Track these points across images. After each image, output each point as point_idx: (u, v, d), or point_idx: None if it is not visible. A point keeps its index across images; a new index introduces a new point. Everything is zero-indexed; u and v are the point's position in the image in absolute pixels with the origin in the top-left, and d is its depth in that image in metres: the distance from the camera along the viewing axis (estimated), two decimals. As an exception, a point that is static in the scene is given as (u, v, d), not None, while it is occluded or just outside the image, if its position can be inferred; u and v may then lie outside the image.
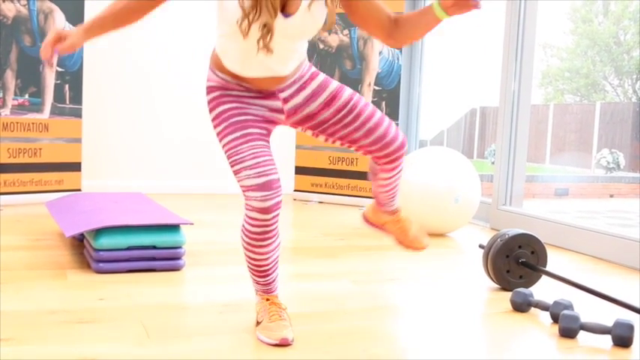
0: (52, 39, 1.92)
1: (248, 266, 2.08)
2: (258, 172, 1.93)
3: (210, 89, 2.06)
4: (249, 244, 1.99)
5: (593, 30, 16.98)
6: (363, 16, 2.00)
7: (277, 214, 1.95)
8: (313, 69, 2.14)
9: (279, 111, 2.07)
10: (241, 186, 1.96)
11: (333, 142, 2.16)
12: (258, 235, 1.96)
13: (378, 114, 2.12)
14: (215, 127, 2.02)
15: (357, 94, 2.14)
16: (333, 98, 2.08)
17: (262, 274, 2.08)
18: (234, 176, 1.98)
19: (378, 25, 1.99)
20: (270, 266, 2.06)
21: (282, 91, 2.05)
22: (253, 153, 1.95)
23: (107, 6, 1.96)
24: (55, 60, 1.95)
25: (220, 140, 2.01)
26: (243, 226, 1.99)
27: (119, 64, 5.12)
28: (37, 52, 4.34)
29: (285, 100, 2.06)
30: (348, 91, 2.12)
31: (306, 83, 2.08)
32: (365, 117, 2.09)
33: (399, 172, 2.23)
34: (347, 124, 2.09)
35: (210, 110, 2.04)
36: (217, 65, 2.04)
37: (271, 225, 1.95)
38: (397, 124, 4.89)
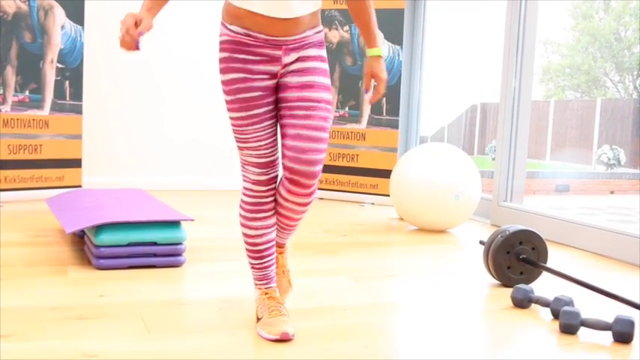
0: (131, 24, 1.87)
1: (245, 248, 2.13)
2: (260, 154, 2.03)
3: (221, 46, 2.03)
4: (244, 217, 2.09)
5: (594, 26, 16.97)
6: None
7: (272, 188, 2.06)
8: (322, 52, 2.08)
9: (275, 75, 2.04)
10: (242, 159, 2.06)
11: (279, 124, 2.08)
12: (253, 207, 2.06)
13: (322, 134, 1.99)
14: (223, 92, 2.04)
15: (328, 105, 2.04)
16: (309, 86, 2.02)
17: (257, 254, 2.11)
18: (237, 148, 2.07)
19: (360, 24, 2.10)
20: (264, 246, 2.10)
21: (288, 51, 2.01)
22: (257, 136, 2.02)
23: None
24: (141, 45, 1.89)
25: (228, 110, 2.05)
26: (241, 199, 2.09)
27: (119, 61, 5.11)
28: (37, 48, 4.34)
29: (284, 66, 2.03)
30: (323, 95, 2.03)
31: (308, 59, 2.04)
32: (309, 123, 1.98)
33: (298, 205, 2.05)
34: (293, 115, 2.00)
35: (220, 71, 2.05)
36: (229, 15, 2.00)
37: (266, 197, 2.05)
38: (397, 129, 4.90)
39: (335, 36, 5.02)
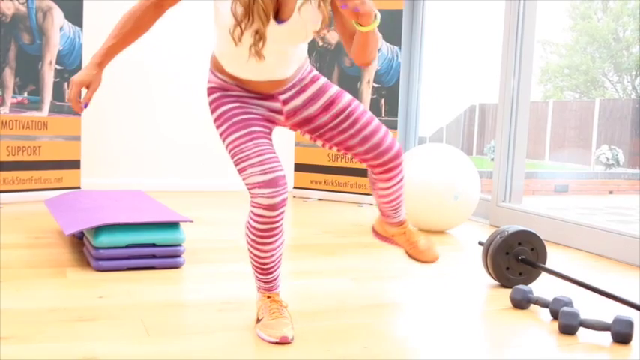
0: (75, 95, 1.98)
1: (252, 263, 2.08)
2: (265, 169, 1.92)
3: (210, 90, 2.06)
4: (254, 241, 1.99)
5: (593, 26, 16.97)
6: (344, 28, 1.99)
7: (283, 211, 1.95)
8: (314, 72, 2.14)
9: (279, 112, 2.08)
10: (247, 184, 1.95)
11: (330, 147, 2.15)
12: (264, 232, 1.96)
13: (375, 122, 2.11)
14: (218, 127, 2.02)
15: (356, 101, 2.13)
16: (331, 103, 2.08)
17: (266, 272, 2.08)
18: (240, 174, 1.97)
19: (349, 39, 1.98)
20: (273, 263, 2.07)
21: (282, 93, 2.06)
22: (258, 151, 1.95)
23: (114, 31, 2.02)
24: (85, 108, 2.01)
25: (224, 140, 2.01)
26: (249, 223, 1.98)
27: (118, 62, 5.09)
28: (35, 50, 4.34)
29: (285, 102, 2.06)
30: (347, 97, 2.11)
31: (306, 86, 2.09)
32: (361, 124, 2.08)
33: (399, 182, 2.20)
34: (343, 130, 2.08)
35: (212, 111, 2.04)
36: (217, 67, 2.05)
37: (277, 222, 1.95)
38: (396, 130, 4.90)
39: (333, 37, 5.02)
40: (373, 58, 1.97)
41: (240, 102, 2.02)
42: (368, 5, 1.77)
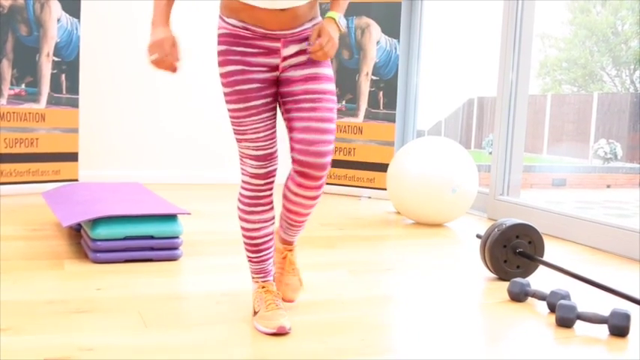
0: (169, 50, 1.97)
1: (243, 241, 2.12)
2: (258, 146, 2.02)
3: (219, 39, 2.03)
4: (242, 210, 2.08)
5: (591, 20, 16.96)
6: None
7: (271, 182, 2.05)
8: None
9: (276, 68, 2.03)
10: (240, 151, 2.05)
11: (284, 119, 2.08)
12: (252, 200, 2.05)
13: (329, 125, 2.00)
14: (222, 83, 2.04)
15: (332, 96, 2.05)
16: (314, 78, 2.02)
17: (254, 248, 2.11)
18: (235, 141, 2.06)
19: None
20: (261, 240, 2.09)
21: (287, 43, 2.01)
22: (255, 128, 2.01)
23: None
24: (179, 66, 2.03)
25: (226, 102, 2.05)
26: (239, 193, 2.09)
27: (116, 54, 5.10)
28: (33, 41, 4.32)
29: (284, 59, 2.02)
30: (328, 86, 2.05)
31: (307, 51, 2.03)
32: (316, 115, 1.99)
33: (307, 199, 2.04)
34: (300, 108, 2.01)
35: (219, 64, 2.04)
36: (226, 8, 2.00)
37: (265, 191, 2.05)
38: (394, 123, 4.89)
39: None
40: None
41: (244, 64, 1.99)
42: (333, 48, 1.99)
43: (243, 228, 2.12)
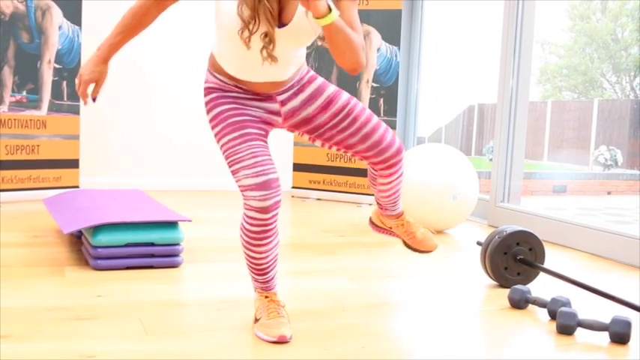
0: (83, 94, 2.09)
1: (247, 264, 2.08)
2: (257, 172, 1.93)
3: (207, 90, 2.06)
4: (248, 242, 2.00)
5: (591, 27, 16.98)
6: None
7: (276, 214, 1.96)
8: (311, 72, 2.14)
9: (277, 113, 2.08)
10: (240, 186, 1.96)
11: (330, 147, 2.15)
12: (258, 235, 1.96)
13: (375, 119, 2.12)
14: (213, 127, 2.02)
15: (354, 99, 2.13)
16: (329, 102, 2.08)
17: (261, 272, 2.08)
18: (233, 176, 1.98)
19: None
20: (269, 264, 2.06)
21: (280, 94, 2.06)
22: (252, 152, 1.95)
23: (117, 27, 2.04)
24: (94, 102, 2.20)
25: (218, 141, 2.01)
26: (242, 225, 1.99)
27: (117, 61, 5.09)
28: (34, 48, 4.34)
29: (283, 103, 2.06)
30: (344, 96, 2.11)
31: (304, 87, 2.08)
32: (361, 122, 2.09)
33: (398, 177, 2.22)
34: (343, 129, 2.09)
35: (208, 111, 2.04)
36: (215, 67, 2.04)
37: (270, 224, 1.95)
38: (394, 129, 4.90)
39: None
40: (352, 61, 1.86)
41: (237, 103, 2.02)
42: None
43: (248, 256, 2.04)
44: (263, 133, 2.04)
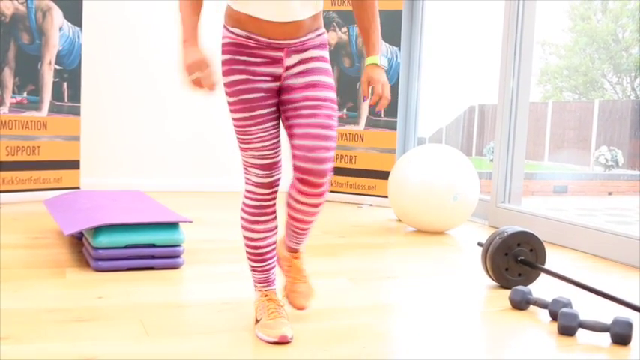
0: (202, 84, 1.90)
1: (246, 251, 2.11)
2: (263, 155, 2.02)
3: (223, 48, 2.04)
4: (246, 220, 2.07)
5: (592, 28, 16.97)
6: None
7: (276, 191, 2.05)
8: (324, 52, 2.08)
9: (279, 78, 2.04)
10: (244, 161, 2.04)
11: (284, 126, 2.07)
12: (256, 210, 2.04)
13: (329, 132, 1.99)
14: (226, 94, 2.03)
15: (333, 104, 2.04)
16: (313, 86, 2.02)
17: (258, 257, 2.10)
18: (239, 150, 2.05)
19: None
20: (265, 249, 2.09)
21: (290, 53, 2.01)
22: (260, 137, 2.01)
23: (186, 9, 2.00)
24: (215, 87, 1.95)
25: (231, 112, 2.03)
26: (242, 202, 2.07)
27: (117, 62, 5.11)
28: (35, 50, 4.34)
29: (287, 68, 2.03)
30: (328, 93, 2.04)
31: (310, 60, 2.04)
32: (315, 121, 1.98)
33: (310, 206, 2.02)
34: (300, 114, 2.00)
35: (223, 74, 2.03)
36: (230, 20, 2.01)
37: (269, 200, 2.04)
38: (395, 130, 4.90)
39: (333, 37, 5.03)
40: None
41: (248, 73, 2.00)
42: (381, 80, 2.09)
43: (247, 237, 2.10)
44: (273, 109, 2.04)
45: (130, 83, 5.15)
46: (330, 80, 2.07)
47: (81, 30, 4.55)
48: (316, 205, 2.02)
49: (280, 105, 2.07)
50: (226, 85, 2.03)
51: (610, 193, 10.25)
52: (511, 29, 4.13)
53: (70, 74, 4.51)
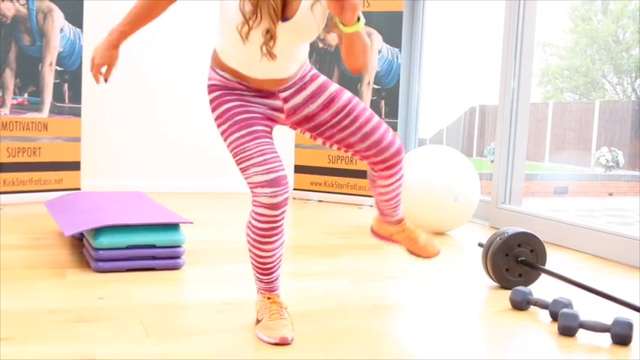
0: (95, 76, 2.22)
1: (252, 264, 2.09)
2: (267, 169, 1.93)
3: (211, 88, 2.06)
4: (255, 240, 2.00)
5: (593, 28, 16.97)
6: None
7: (284, 210, 1.97)
8: (314, 70, 2.14)
9: (280, 110, 2.08)
10: (249, 183, 1.96)
11: (331, 145, 2.16)
12: (266, 232, 1.97)
13: (375, 119, 2.12)
14: (219, 125, 2.02)
15: (356, 98, 2.14)
16: (331, 100, 2.09)
17: (266, 272, 2.08)
18: (242, 173, 1.98)
19: (341, 42, 1.90)
20: (274, 264, 2.07)
21: (283, 91, 2.06)
22: (261, 150, 1.96)
23: (128, 16, 2.12)
24: (105, 82, 2.35)
25: (225, 139, 2.01)
26: (250, 222, 1.99)
27: (118, 64, 5.10)
28: (36, 51, 4.34)
29: (285, 100, 2.07)
30: (346, 94, 2.12)
31: (307, 84, 2.09)
32: (362, 121, 2.09)
33: (398, 180, 2.20)
34: (344, 127, 2.09)
35: (213, 110, 2.04)
36: (218, 64, 2.04)
37: (279, 221, 1.97)
38: (396, 131, 4.90)
39: (333, 39, 5.03)
40: (362, 64, 1.89)
41: (242, 100, 2.02)
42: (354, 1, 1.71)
43: (255, 254, 2.04)
44: (268, 130, 2.05)
45: (131, 84, 5.16)
46: (337, 85, 2.14)
47: (82, 31, 4.55)
48: (402, 176, 2.19)
49: (310, 133, 2.14)
50: (218, 117, 2.01)
51: (611, 194, 10.25)
52: (512, 30, 4.13)
53: (70, 76, 4.52)
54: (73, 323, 2.11)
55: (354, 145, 2.11)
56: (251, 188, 1.96)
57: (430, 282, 2.84)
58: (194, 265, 2.91)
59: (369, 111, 2.13)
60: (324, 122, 2.09)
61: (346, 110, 2.09)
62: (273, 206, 1.93)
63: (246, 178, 1.97)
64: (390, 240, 2.49)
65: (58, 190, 4.44)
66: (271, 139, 2.04)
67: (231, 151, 2.00)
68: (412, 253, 2.46)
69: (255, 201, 1.95)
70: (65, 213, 3.13)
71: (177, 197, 4.90)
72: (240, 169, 1.98)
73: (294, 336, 2.03)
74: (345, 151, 2.16)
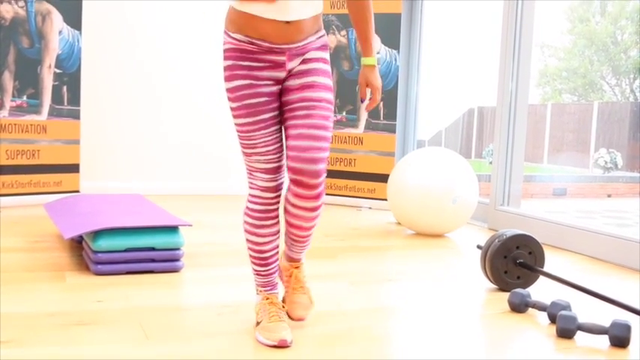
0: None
1: (250, 256, 2.11)
2: (268, 159, 2.02)
3: (225, 53, 2.04)
4: (251, 224, 2.06)
5: (591, 30, 17.00)
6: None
7: (279, 195, 2.05)
8: (325, 53, 2.09)
9: (280, 81, 2.05)
10: (248, 165, 2.05)
11: (283, 128, 2.08)
12: (261, 214, 2.04)
13: (323, 133, 1.99)
14: (229, 99, 2.04)
15: (330, 105, 2.05)
16: (310, 86, 2.03)
17: (263, 262, 2.10)
18: (243, 155, 2.05)
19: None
20: (270, 253, 2.09)
21: (292, 57, 2.01)
22: (265, 142, 2.01)
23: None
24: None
25: (234, 117, 2.04)
26: (246, 207, 2.07)
27: (117, 66, 5.12)
28: (34, 53, 4.34)
29: (290, 72, 2.03)
30: (324, 94, 2.04)
31: (310, 61, 2.05)
32: (310, 122, 1.98)
33: (308, 210, 2.01)
34: (295, 115, 2.01)
35: (225, 79, 2.04)
36: (231, 23, 2.01)
37: (273, 204, 2.04)
38: (394, 133, 4.91)
39: (332, 41, 5.03)
40: None
41: (252, 78, 2.00)
42: (379, 86, 2.18)
43: (251, 242, 2.08)
44: (276, 113, 2.04)
45: (130, 87, 5.16)
46: (328, 81, 2.07)
47: (80, 34, 4.55)
48: (313, 209, 2.01)
49: (280, 107, 2.07)
50: (229, 90, 2.03)
51: (609, 195, 10.26)
52: (510, 31, 4.14)
53: (69, 78, 4.52)
54: (73, 326, 2.11)
55: (288, 137, 2.02)
56: (249, 171, 2.05)
57: (429, 284, 2.85)
58: (193, 268, 2.92)
59: (326, 123, 2.01)
60: (290, 102, 2.03)
61: (309, 104, 2.01)
62: (269, 189, 2.03)
63: (246, 160, 2.05)
64: (280, 275, 2.31)
65: (57, 193, 4.44)
66: (278, 124, 2.05)
67: (237, 132, 2.05)
68: (283, 301, 2.26)
69: (251, 183, 2.05)
70: (64, 216, 3.13)
71: (177, 200, 4.90)
72: (243, 152, 2.05)
73: (293, 338, 2.03)
74: (286, 141, 2.05)
